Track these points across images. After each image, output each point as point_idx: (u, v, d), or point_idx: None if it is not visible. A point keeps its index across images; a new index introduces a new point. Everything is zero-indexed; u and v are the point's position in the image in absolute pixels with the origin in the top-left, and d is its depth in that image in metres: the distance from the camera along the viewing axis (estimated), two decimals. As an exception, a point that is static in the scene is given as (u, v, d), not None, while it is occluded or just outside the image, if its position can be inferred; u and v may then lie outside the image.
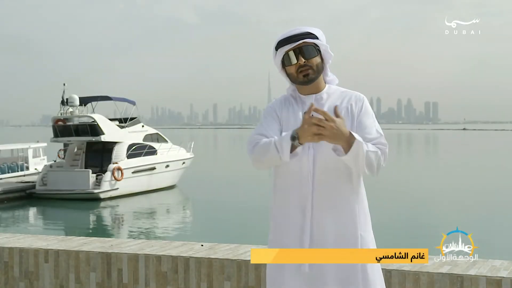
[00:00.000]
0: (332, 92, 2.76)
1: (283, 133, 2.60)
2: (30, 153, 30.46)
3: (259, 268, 3.92)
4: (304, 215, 2.64)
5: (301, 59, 2.66)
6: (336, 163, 2.63)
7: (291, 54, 2.67)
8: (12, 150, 30.84)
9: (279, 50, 2.70)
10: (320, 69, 2.71)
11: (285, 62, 2.70)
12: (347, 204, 2.65)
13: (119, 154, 25.85)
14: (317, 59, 2.68)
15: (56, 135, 26.60)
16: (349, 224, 2.64)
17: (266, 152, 2.60)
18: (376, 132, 2.66)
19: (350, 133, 2.49)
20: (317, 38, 2.69)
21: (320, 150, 2.64)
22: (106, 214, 23.06)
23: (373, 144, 2.62)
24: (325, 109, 2.70)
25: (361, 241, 2.65)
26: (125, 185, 25.20)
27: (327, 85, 2.78)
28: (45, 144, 31.76)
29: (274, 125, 2.73)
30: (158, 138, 28.92)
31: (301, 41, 2.65)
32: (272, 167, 2.75)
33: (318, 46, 2.70)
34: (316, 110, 2.45)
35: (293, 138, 2.50)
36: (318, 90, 2.75)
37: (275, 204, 2.76)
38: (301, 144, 2.52)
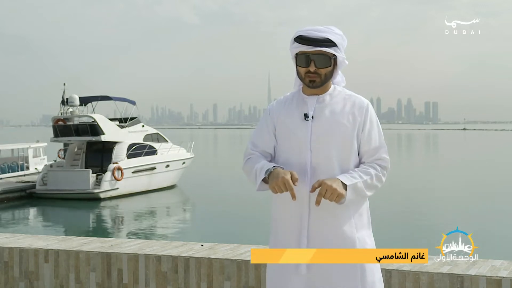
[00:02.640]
0: (336, 94, 2.73)
1: (265, 166, 2.62)
2: (30, 153, 30.46)
3: (259, 268, 3.92)
4: (302, 217, 2.64)
5: (313, 66, 2.63)
6: (334, 164, 2.64)
7: (305, 57, 2.64)
8: (12, 150, 30.82)
9: (296, 44, 2.65)
10: (328, 77, 2.68)
11: (297, 61, 2.68)
12: (345, 206, 2.64)
13: (119, 154, 25.85)
14: (328, 69, 2.65)
15: (56, 135, 26.59)
16: (347, 226, 2.64)
17: (249, 176, 2.72)
18: (380, 146, 2.69)
19: (341, 182, 2.55)
20: (336, 46, 2.63)
21: (317, 152, 2.64)
22: (106, 214, 23.05)
23: (375, 160, 2.67)
24: (327, 111, 2.69)
25: (359, 242, 2.64)
26: (125, 185, 25.20)
27: (332, 86, 2.75)
28: (45, 144, 31.74)
29: (266, 135, 2.76)
30: (158, 138, 28.91)
31: (318, 49, 2.61)
32: None
33: (335, 55, 2.66)
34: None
35: (265, 179, 2.61)
36: (322, 91, 2.72)
37: (275, 205, 2.76)
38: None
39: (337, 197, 2.51)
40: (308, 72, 2.64)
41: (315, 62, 2.62)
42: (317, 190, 2.55)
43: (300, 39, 2.63)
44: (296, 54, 2.67)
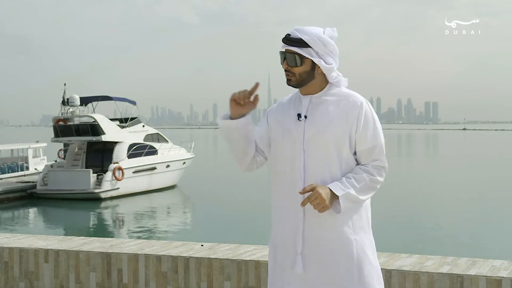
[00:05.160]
0: (331, 93, 2.70)
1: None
2: (30, 153, 30.46)
3: (259, 268, 3.92)
4: (297, 217, 2.64)
5: (285, 64, 2.66)
6: (328, 164, 2.62)
7: (281, 55, 2.68)
8: (12, 150, 30.83)
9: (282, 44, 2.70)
10: (304, 78, 2.65)
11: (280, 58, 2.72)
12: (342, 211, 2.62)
13: (120, 154, 25.84)
14: (300, 69, 2.64)
15: (57, 135, 26.60)
16: (344, 227, 2.62)
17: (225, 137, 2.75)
18: (375, 145, 2.65)
19: (332, 192, 2.55)
20: (309, 47, 2.61)
21: (310, 152, 2.63)
22: (107, 214, 23.06)
23: (372, 160, 2.65)
24: (320, 111, 2.67)
25: (356, 243, 2.62)
26: (126, 185, 25.19)
27: (328, 86, 2.71)
28: (45, 144, 31.76)
29: (258, 127, 2.79)
30: (158, 138, 28.92)
31: (288, 47, 2.64)
32: (269, 170, 2.76)
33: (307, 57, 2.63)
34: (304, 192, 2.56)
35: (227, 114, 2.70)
36: (316, 90, 2.70)
37: (273, 205, 2.77)
38: (232, 118, 2.68)
39: (322, 209, 2.53)
40: (285, 71, 2.68)
41: (287, 61, 2.65)
42: (307, 193, 2.56)
43: (283, 38, 2.68)
44: (280, 52, 2.71)
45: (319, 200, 2.50)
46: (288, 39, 2.63)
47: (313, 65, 2.65)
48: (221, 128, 2.71)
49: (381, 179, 2.65)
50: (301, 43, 2.61)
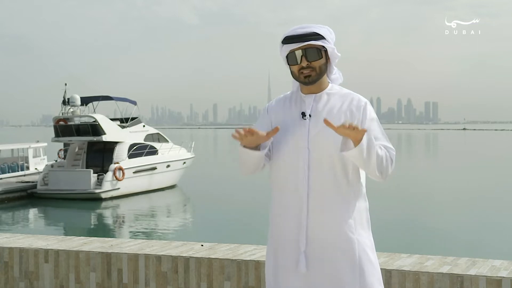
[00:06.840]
0: (334, 93, 2.72)
1: None
2: (30, 153, 30.46)
3: (259, 268, 3.92)
4: (300, 216, 2.63)
5: (304, 61, 2.63)
6: (332, 163, 2.62)
7: (295, 54, 2.64)
8: (12, 150, 30.82)
9: (284, 46, 2.67)
10: (323, 71, 2.68)
11: (288, 61, 2.68)
12: (344, 206, 2.63)
13: (120, 154, 25.85)
14: (321, 61, 2.65)
15: (57, 134, 26.61)
16: (346, 226, 2.62)
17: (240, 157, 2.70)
18: (384, 139, 2.67)
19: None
20: (324, 39, 2.64)
21: (315, 151, 2.62)
22: (107, 214, 23.06)
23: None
24: (324, 110, 2.67)
25: (358, 242, 2.62)
26: (126, 185, 25.19)
27: (329, 85, 2.74)
28: (45, 144, 31.76)
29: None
30: (159, 138, 28.93)
31: (306, 43, 2.62)
32: (269, 167, 2.75)
33: (325, 48, 2.66)
34: (328, 124, 2.46)
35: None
36: (319, 89, 2.71)
37: (273, 204, 2.75)
38: (245, 146, 2.61)
39: (360, 132, 2.42)
40: (302, 68, 2.64)
41: (306, 57, 2.63)
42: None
43: (287, 40, 2.65)
44: (287, 55, 2.68)
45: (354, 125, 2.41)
46: (303, 36, 2.61)
47: (326, 57, 2.68)
48: (242, 154, 2.66)
49: (390, 166, 2.66)
50: (317, 36, 2.63)
